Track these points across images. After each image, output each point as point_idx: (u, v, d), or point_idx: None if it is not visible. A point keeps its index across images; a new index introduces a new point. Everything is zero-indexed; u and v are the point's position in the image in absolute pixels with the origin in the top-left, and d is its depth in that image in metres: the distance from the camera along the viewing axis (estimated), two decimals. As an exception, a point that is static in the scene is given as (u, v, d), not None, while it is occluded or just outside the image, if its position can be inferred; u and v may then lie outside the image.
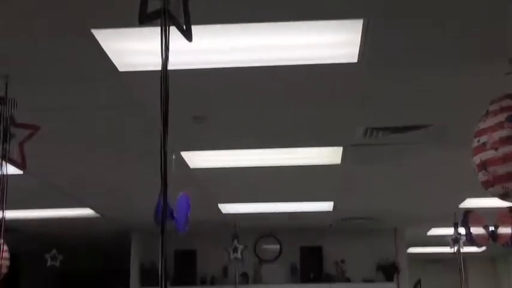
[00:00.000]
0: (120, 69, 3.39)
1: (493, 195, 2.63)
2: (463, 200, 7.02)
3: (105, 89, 3.70)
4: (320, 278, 8.92)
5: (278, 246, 9.30)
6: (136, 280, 9.02)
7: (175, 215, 3.73)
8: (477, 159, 2.66)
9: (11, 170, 3.10)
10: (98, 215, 7.54)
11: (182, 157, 5.19)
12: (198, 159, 5.35)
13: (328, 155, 5.34)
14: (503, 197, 2.60)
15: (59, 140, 4.68)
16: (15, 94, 3.25)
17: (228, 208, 7.48)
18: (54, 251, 8.05)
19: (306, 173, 5.88)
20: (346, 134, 4.68)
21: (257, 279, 9.04)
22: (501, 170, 2.50)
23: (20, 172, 3.59)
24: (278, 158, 5.42)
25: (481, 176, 2.65)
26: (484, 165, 2.58)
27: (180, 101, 3.83)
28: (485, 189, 2.67)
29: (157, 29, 1.95)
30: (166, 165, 3.11)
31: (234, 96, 3.88)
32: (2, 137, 2.95)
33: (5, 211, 2.83)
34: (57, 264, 8.03)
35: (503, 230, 5.65)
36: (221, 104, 4.03)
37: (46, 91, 3.69)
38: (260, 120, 4.38)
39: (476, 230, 6.02)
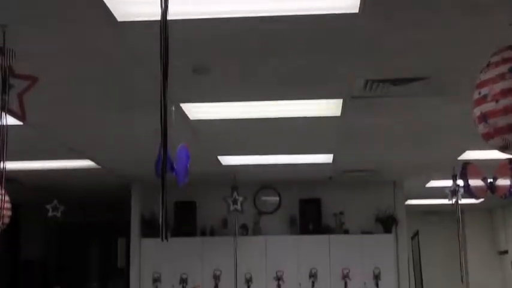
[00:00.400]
0: (119, 19, 3.36)
1: (493, 147, 2.63)
2: (462, 152, 7.04)
3: (104, 39, 3.67)
4: (319, 229, 9.00)
5: (277, 198, 9.37)
6: (136, 231, 9.11)
7: (175, 166, 3.74)
8: (477, 111, 2.65)
9: (11, 121, 3.10)
10: (98, 166, 7.56)
11: (182, 109, 5.18)
12: (197, 111, 5.34)
13: (328, 107, 5.33)
14: (503, 149, 2.60)
15: (58, 92, 4.67)
16: (14, 44, 3.23)
17: (227, 160, 7.50)
18: (55, 201, 8.12)
19: (306, 125, 5.88)
20: (346, 86, 4.67)
21: (256, 231, 9.13)
22: (501, 121, 2.49)
23: (20, 123, 3.59)
24: (278, 110, 5.41)
25: (481, 128, 2.64)
26: (484, 117, 2.58)
27: (179, 52, 3.80)
28: (486, 142, 2.67)
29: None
30: (166, 118, 3.11)
31: (233, 47, 3.85)
32: (1, 88, 2.94)
33: (5, 162, 2.84)
34: (58, 214, 8.10)
35: (502, 182, 5.69)
36: (221, 55, 4.01)
37: (45, 42, 3.66)
38: (260, 72, 4.36)
39: (475, 182, 6.05)
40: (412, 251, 10.90)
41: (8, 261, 10.71)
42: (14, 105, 2.98)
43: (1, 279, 10.45)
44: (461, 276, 6.98)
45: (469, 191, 6.07)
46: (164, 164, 3.51)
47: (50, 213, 8.12)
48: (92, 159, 7.28)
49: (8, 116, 2.96)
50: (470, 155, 7.03)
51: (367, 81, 4.56)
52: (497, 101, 2.53)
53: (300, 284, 8.78)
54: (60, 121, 5.56)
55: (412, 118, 5.68)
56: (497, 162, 5.83)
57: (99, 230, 11.08)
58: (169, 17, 2.23)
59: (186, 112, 5.30)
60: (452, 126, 5.91)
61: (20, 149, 6.02)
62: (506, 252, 11.43)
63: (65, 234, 11.24)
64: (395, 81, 4.57)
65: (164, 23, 2.20)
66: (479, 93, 2.64)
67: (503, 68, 2.58)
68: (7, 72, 2.84)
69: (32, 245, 10.89)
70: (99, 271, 10.84)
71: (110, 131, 6.00)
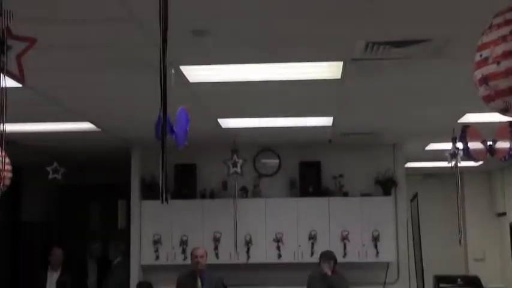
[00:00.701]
0: (118, -20, 3.33)
1: (493, 110, 2.61)
2: (462, 115, 7.03)
3: (104, 1, 3.63)
4: (318, 192, 9.04)
5: (277, 161, 9.39)
6: (137, 193, 9.16)
7: (175, 129, 3.74)
8: (478, 73, 2.63)
9: (10, 83, 3.08)
10: (98, 129, 7.56)
11: (181, 71, 5.16)
12: (197, 73, 5.32)
13: (329, 70, 5.31)
14: (503, 111, 2.58)
15: (57, 53, 4.65)
16: (11, 6, 3.19)
17: (227, 123, 7.50)
18: (55, 163, 8.14)
19: (306, 87, 5.86)
20: (346, 48, 4.64)
21: (256, 193, 9.17)
22: (503, 84, 2.48)
23: (19, 85, 3.57)
24: (278, 72, 5.39)
25: (482, 91, 2.63)
26: (485, 80, 2.56)
27: (179, 13, 3.77)
28: (486, 104, 2.66)
29: None
30: (166, 80, 3.10)
31: (233, 9, 3.82)
32: (-1, 49, 2.92)
33: (5, 124, 2.83)
34: (59, 177, 8.13)
35: (501, 145, 5.69)
36: (221, 17, 3.98)
37: (43, 3, 3.63)
38: (260, 34, 4.34)
39: (474, 145, 6.06)
40: (411, 213, 10.97)
41: (9, 223, 10.79)
42: (13, 67, 2.96)
43: (2, 241, 10.53)
44: (459, 239, 7.02)
45: (468, 154, 6.08)
46: (164, 126, 3.51)
47: (51, 176, 8.15)
48: (92, 122, 7.28)
49: (6, 78, 2.94)
50: (470, 118, 7.03)
51: (367, 44, 4.54)
52: (498, 63, 2.51)
53: (299, 246, 8.86)
54: (59, 83, 5.55)
55: (412, 81, 5.67)
56: (497, 125, 5.84)
57: (99, 192, 11.15)
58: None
59: (186, 75, 5.28)
60: (452, 89, 5.90)
61: (19, 111, 6.00)
62: (504, 214, 11.51)
63: (66, 196, 11.31)
64: (396, 44, 4.55)
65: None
66: (481, 55, 2.61)
67: (505, 30, 2.55)
68: (5, 34, 2.82)
69: (33, 207, 10.96)
70: (99, 233, 10.93)
71: (110, 93, 5.98)
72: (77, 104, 6.38)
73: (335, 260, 7.89)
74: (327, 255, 7.98)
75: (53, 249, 8.91)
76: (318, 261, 8.00)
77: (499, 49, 2.52)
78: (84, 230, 10.93)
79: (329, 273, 7.80)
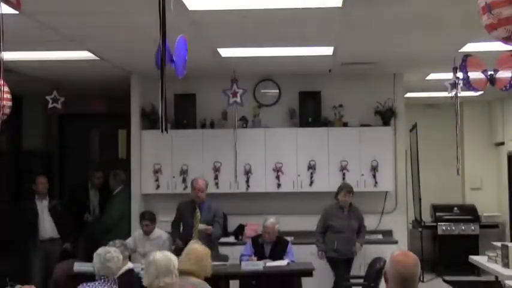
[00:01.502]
0: None
1: (496, 38, 2.60)
2: (464, 44, 6.97)
3: None
4: (318, 122, 9.06)
5: (277, 91, 9.37)
6: (137, 124, 9.17)
7: (174, 58, 3.72)
8: (482, 1, 2.61)
9: (6, 9, 3.04)
10: (97, 58, 7.51)
11: (180, -1, 5.09)
12: (196, 1, 5.25)
13: (330, -2, 5.24)
14: (506, 40, 2.58)
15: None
16: None
17: (227, 52, 7.44)
18: (54, 92, 8.14)
19: (307, 16, 5.79)
20: (348, -25, 4.57)
21: (256, 123, 9.19)
22: (506, 12, 2.45)
23: (15, 12, 3.54)
24: (279, 0, 5.33)
25: (485, 20, 2.61)
26: (488, 8, 2.54)
27: None
28: (489, 33, 2.64)
29: None
30: (165, 8, 3.06)
31: None
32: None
33: (2, 52, 2.81)
34: (59, 106, 8.14)
35: (503, 74, 5.67)
36: None
37: None
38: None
39: (475, 74, 6.04)
40: (410, 143, 11.02)
41: (9, 152, 10.85)
42: (9, -6, 2.93)
43: (3, 169, 10.62)
44: (457, 168, 7.09)
45: (468, 84, 6.07)
46: (163, 55, 3.49)
47: (50, 105, 8.16)
48: (91, 51, 7.22)
49: (3, 5, 2.91)
50: (471, 47, 6.97)
51: (369, -29, 4.46)
52: (502, -9, 2.48)
53: (298, 176, 8.95)
54: (56, 10, 5.47)
55: (413, 8, 5.59)
56: (499, 54, 5.81)
57: (99, 121, 11.17)
58: None
59: (185, 2, 5.20)
60: (454, 18, 5.83)
61: (17, 39, 5.97)
62: (502, 144, 11.56)
63: (66, 126, 11.35)
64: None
65: None
66: (484, -17, 2.58)
67: (510, -43, 2.51)
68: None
69: (33, 136, 10.99)
70: (100, 162, 11.01)
71: (109, 21, 5.91)
72: (75, 31, 6.31)
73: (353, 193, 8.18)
74: (349, 187, 8.16)
75: (36, 177, 8.91)
76: (336, 193, 8.16)
77: (503, -24, 2.49)
78: (84, 159, 10.99)
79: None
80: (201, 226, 7.59)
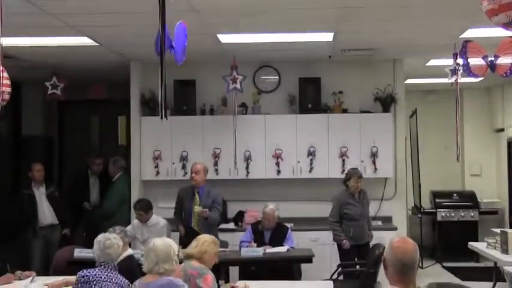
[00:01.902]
0: None
1: (496, 24, 2.59)
2: (464, 30, 6.95)
3: None
4: (318, 108, 9.04)
5: (277, 77, 9.36)
6: (136, 109, 9.16)
7: (173, 44, 3.71)
8: (482, -13, 2.59)
9: (6, -4, 3.03)
10: (96, 44, 7.49)
11: (180, -15, 5.07)
12: (196, -13, 5.23)
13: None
14: (507, 25, 2.57)
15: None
16: None
17: (227, 38, 7.42)
18: (54, 78, 8.14)
19: (307, 1, 5.77)
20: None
21: (256, 110, 9.18)
22: (507, -2, 2.45)
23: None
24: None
25: (486, 5, 2.60)
26: (489, -7, 2.53)
27: None
28: (489, 19, 2.63)
29: None
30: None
31: None
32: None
33: (1, 37, 2.80)
34: (58, 92, 8.14)
35: (503, 60, 5.66)
36: None
37: None
38: None
39: (475, 60, 6.03)
40: (410, 129, 11.02)
41: (10, 137, 10.85)
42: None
43: (3, 155, 10.63)
44: (457, 155, 7.09)
45: (468, 70, 6.06)
46: (162, 41, 3.48)
47: (50, 91, 8.15)
48: (90, 37, 7.19)
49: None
50: (472, 33, 6.95)
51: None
52: (503, -24, 2.47)
53: (298, 162, 8.95)
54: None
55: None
56: (500, 40, 5.79)
57: (99, 107, 11.17)
58: None
59: (184, -12, 5.19)
60: (455, 3, 5.81)
61: (16, 24, 5.94)
62: (502, 130, 11.56)
63: (66, 112, 11.35)
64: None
65: None
66: (486, -32, 2.57)
67: None
68: None
69: (33, 122, 10.99)
70: (100, 148, 11.01)
71: (108, 7, 5.88)
72: (74, 17, 6.28)
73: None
74: (359, 172, 8.03)
75: (32, 165, 8.88)
76: (345, 180, 8.03)
77: (505, -38, 2.47)
78: (84, 145, 10.99)
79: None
80: (197, 208, 7.59)
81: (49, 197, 8.83)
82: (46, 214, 8.78)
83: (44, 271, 8.12)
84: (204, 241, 5.36)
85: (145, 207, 7.84)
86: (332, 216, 7.98)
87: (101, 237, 5.18)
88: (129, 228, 7.76)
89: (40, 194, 8.80)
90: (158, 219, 7.93)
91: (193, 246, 5.33)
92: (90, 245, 5.53)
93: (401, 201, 9.47)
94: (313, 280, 7.20)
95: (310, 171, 8.94)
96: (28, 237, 8.76)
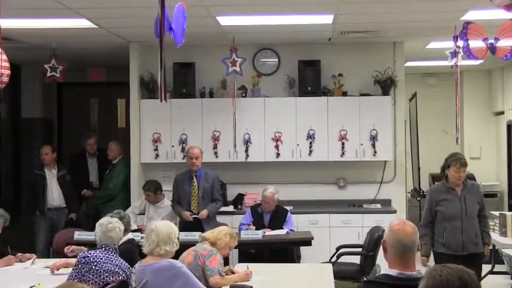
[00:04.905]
0: None
1: (497, 6, 2.58)
2: (465, 12, 6.92)
3: None
4: (317, 91, 9.02)
5: (276, 60, 9.33)
6: (136, 93, 9.13)
7: (173, 27, 3.70)
8: (484, -31, 2.58)
9: (4, -22, 3.02)
10: (95, 26, 7.45)
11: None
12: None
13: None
14: (508, 7, 2.55)
15: None
16: None
17: (226, 21, 7.39)
18: (53, 61, 8.12)
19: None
20: None
21: (255, 92, 9.15)
22: (508, -21, 2.44)
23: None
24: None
25: (487, -13, 2.58)
26: (491, -25, 2.51)
27: None
28: (490, 1, 2.62)
29: None
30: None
31: None
32: None
33: (0, 19, 2.79)
34: (57, 74, 8.12)
35: (503, 43, 5.63)
36: None
37: None
38: None
39: (475, 43, 6.00)
40: (409, 112, 11.01)
41: (9, 120, 10.85)
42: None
43: (3, 137, 10.62)
44: (456, 138, 7.08)
45: (468, 52, 6.03)
46: (162, 23, 3.47)
47: (49, 73, 8.14)
48: (89, 19, 7.16)
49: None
50: (473, 14, 6.92)
51: None
52: (505, -42, 2.45)
53: (298, 145, 8.94)
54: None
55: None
56: (501, 22, 5.76)
57: (99, 90, 11.16)
58: None
59: (184, -30, 5.15)
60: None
61: (15, 6, 5.91)
62: (502, 113, 11.54)
63: (65, 94, 11.34)
64: None
65: None
66: (487, -51, 2.55)
67: None
68: None
69: (32, 104, 10.97)
70: (99, 131, 11.01)
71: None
72: None
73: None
74: (462, 159, 6.26)
75: (41, 148, 8.95)
76: (443, 168, 6.38)
77: None
78: (83, 128, 10.99)
79: None
80: (200, 214, 7.68)
81: (59, 179, 8.88)
82: (55, 196, 8.85)
83: (48, 253, 8.18)
84: (221, 230, 5.60)
85: (153, 188, 8.14)
86: (422, 219, 6.47)
87: (103, 220, 5.22)
88: (137, 204, 8.37)
89: (51, 176, 8.87)
90: (169, 203, 8.10)
91: (211, 232, 5.56)
92: (92, 227, 5.56)
93: (401, 184, 9.48)
94: (312, 263, 7.23)
95: (309, 154, 8.93)
96: (35, 218, 8.82)
